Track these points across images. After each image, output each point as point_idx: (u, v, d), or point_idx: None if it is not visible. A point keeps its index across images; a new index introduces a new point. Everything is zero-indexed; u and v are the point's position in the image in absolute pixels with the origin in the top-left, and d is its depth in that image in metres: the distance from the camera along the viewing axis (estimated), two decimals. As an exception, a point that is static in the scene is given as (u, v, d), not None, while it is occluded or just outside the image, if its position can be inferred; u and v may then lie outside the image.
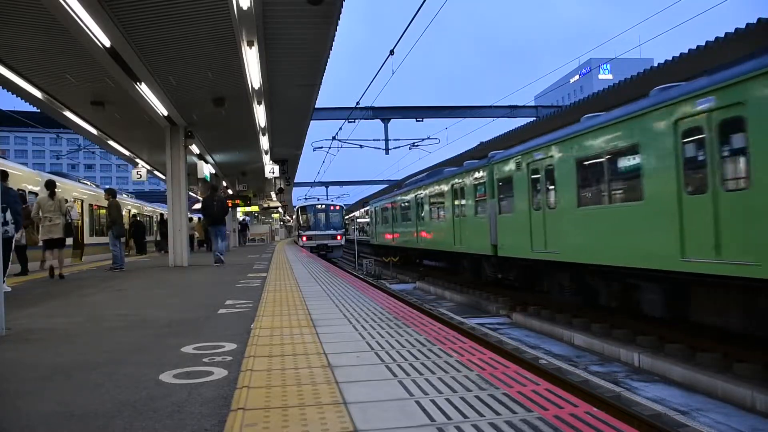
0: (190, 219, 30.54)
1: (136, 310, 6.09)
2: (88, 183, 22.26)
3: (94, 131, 15.55)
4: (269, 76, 11.17)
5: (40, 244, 11.06)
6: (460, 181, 16.62)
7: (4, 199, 8.08)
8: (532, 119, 21.51)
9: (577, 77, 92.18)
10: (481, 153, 24.72)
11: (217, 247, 14.30)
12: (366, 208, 66.10)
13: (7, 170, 10.69)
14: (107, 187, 16.32)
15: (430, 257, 23.07)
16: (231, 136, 17.56)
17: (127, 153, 19.92)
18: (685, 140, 7.86)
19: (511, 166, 13.21)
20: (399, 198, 25.49)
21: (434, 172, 21.45)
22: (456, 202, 17.09)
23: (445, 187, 18.17)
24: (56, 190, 10.68)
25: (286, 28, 9.11)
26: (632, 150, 8.95)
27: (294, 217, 43.30)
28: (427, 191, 20.37)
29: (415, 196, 21.98)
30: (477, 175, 15.31)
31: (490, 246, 14.09)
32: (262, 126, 14.96)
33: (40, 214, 10.27)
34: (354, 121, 22.73)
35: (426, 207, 20.52)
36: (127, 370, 3.37)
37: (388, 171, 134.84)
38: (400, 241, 25.56)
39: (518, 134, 20.02)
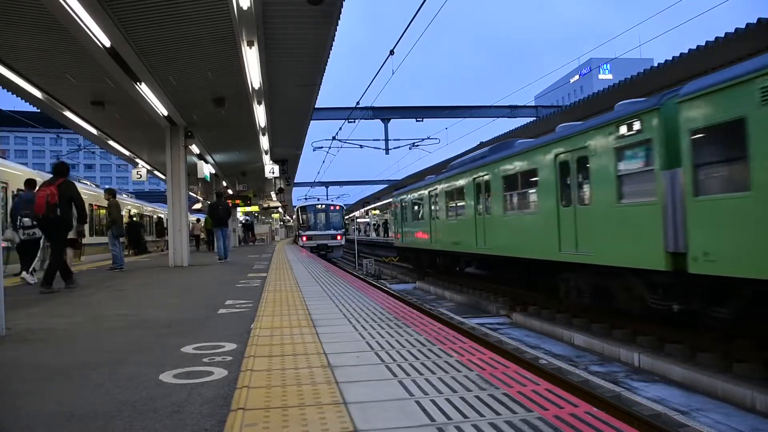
0: (198, 220, 30.71)
1: (136, 310, 6.09)
2: (88, 183, 22.28)
3: (94, 131, 15.56)
4: (269, 76, 11.18)
5: None
6: (577, 146, 10.13)
7: (32, 206, 8.76)
8: (532, 119, 21.52)
9: (577, 77, 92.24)
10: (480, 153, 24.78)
11: (219, 246, 16.01)
12: (369, 208, 66.10)
13: (10, 171, 10.65)
14: (107, 187, 16.41)
15: (498, 265, 15.07)
16: (231, 136, 17.56)
17: (127, 153, 19.92)
18: None
19: (744, 95, 6.61)
20: (441, 186, 18.42)
21: (501, 145, 15.37)
22: (564, 183, 10.69)
23: (536, 162, 11.69)
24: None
25: (286, 28, 9.11)
26: None
27: (294, 216, 43.35)
28: (497, 171, 13.70)
29: (474, 179, 15.17)
30: (622, 131, 8.83)
31: (663, 255, 7.97)
32: (262, 126, 14.97)
33: None
34: (354, 121, 22.76)
35: (497, 195, 13.83)
36: (127, 370, 3.37)
37: (388, 171, 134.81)
38: (447, 243, 17.98)
39: (519, 133, 20.00)
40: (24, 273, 9.48)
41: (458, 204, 17.06)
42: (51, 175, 8.68)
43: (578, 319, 10.83)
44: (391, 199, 30.14)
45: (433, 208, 19.59)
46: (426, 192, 20.36)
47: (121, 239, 13.87)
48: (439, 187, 18.72)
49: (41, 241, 9.68)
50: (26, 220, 9.20)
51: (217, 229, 16.31)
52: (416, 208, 22.20)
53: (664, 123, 8.10)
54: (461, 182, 16.51)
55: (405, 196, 23.84)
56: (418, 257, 23.01)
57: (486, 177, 14.54)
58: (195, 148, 16.42)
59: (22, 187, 14.02)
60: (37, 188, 8.66)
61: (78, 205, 8.48)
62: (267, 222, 55.58)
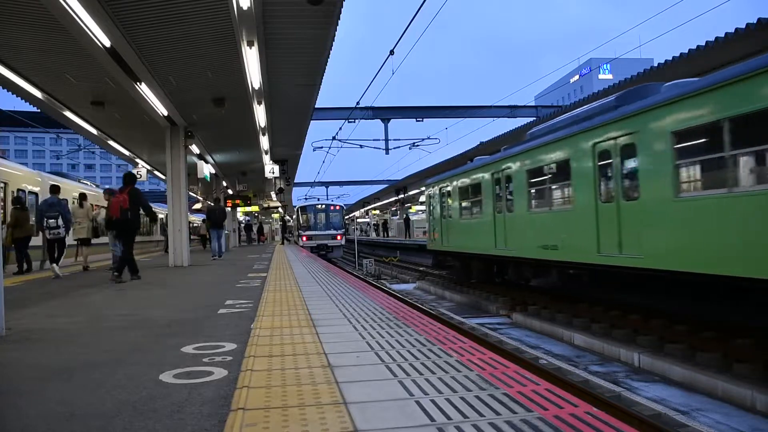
0: (203, 221, 30.97)
1: (136, 310, 6.09)
2: (88, 183, 22.29)
3: (94, 131, 15.56)
4: (269, 76, 11.18)
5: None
6: None
7: (56, 208, 10.80)
8: (532, 119, 21.52)
9: (577, 77, 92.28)
10: (481, 153, 24.76)
11: (214, 246, 17.88)
12: (369, 208, 65.83)
13: (10, 171, 11.56)
14: (106, 187, 16.57)
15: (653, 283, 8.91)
16: (231, 136, 17.56)
17: (127, 153, 19.93)
18: None
19: None
20: (519, 164, 12.54)
21: (633, 93, 9.71)
22: None
23: None
24: (84, 202, 13.08)
25: (286, 28, 9.11)
26: None
27: (294, 216, 43.43)
28: (654, 126, 8.25)
29: (593, 146, 9.71)
30: None
31: None
32: (262, 126, 14.96)
33: (73, 219, 12.16)
34: (354, 121, 22.75)
35: (656, 165, 8.23)
36: (127, 370, 3.37)
37: (388, 171, 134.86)
38: (528, 247, 12.11)
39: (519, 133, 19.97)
40: (55, 266, 10.89)
41: (556, 188, 11.23)
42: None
43: (578, 319, 10.83)
44: (423, 188, 20.90)
45: (501, 195, 13.53)
46: (487, 175, 14.28)
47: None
48: (514, 165, 12.68)
49: (65, 239, 11.28)
50: (51, 221, 10.65)
51: (213, 230, 18.33)
52: (468, 197, 15.88)
53: None
54: (562, 154, 10.71)
55: (447, 184, 17.53)
56: (467, 265, 16.96)
57: (624, 139, 8.86)
58: (195, 148, 16.42)
59: (22, 187, 14.16)
60: (110, 196, 10.69)
61: (146, 208, 10.05)
62: (267, 222, 55.67)
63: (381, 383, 2.93)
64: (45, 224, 10.71)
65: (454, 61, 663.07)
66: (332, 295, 7.00)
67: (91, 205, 16.06)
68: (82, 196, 13.29)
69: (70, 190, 17.21)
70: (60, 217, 10.74)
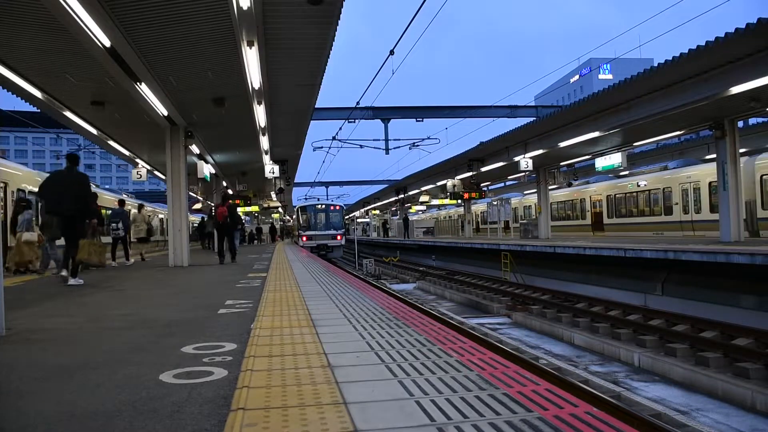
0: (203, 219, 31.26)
1: (136, 310, 6.09)
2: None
3: (94, 131, 15.55)
4: (269, 76, 11.17)
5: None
6: None
7: (119, 216, 14.93)
8: (532, 119, 21.49)
9: (577, 77, 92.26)
10: (481, 153, 24.77)
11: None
12: (369, 208, 64.91)
13: (10, 171, 11.15)
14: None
15: None
16: (231, 136, 17.56)
17: (127, 153, 19.91)
18: None
19: None
20: None
21: None
22: None
23: None
24: (142, 209, 17.50)
25: (286, 28, 9.10)
26: None
27: (294, 217, 43.42)
28: None
29: None
30: None
31: None
32: (262, 126, 14.96)
33: (132, 222, 16.17)
34: (354, 121, 22.76)
35: None
36: (127, 370, 3.37)
37: (388, 171, 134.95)
38: None
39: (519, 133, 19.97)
40: (122, 259, 14.80)
41: None
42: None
43: (578, 319, 10.83)
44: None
45: None
46: None
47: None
48: None
49: (126, 237, 15.16)
50: (113, 224, 14.67)
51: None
52: None
53: None
54: None
55: None
56: None
57: None
58: (195, 148, 16.41)
59: (21, 187, 14.19)
60: (217, 208, 15.82)
61: (234, 217, 15.14)
62: (267, 222, 55.67)
63: (381, 383, 2.93)
64: (112, 226, 14.66)
65: (455, 61, 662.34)
66: (332, 295, 7.00)
67: (148, 213, 19.50)
68: (140, 207, 17.70)
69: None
70: (121, 222, 14.73)
